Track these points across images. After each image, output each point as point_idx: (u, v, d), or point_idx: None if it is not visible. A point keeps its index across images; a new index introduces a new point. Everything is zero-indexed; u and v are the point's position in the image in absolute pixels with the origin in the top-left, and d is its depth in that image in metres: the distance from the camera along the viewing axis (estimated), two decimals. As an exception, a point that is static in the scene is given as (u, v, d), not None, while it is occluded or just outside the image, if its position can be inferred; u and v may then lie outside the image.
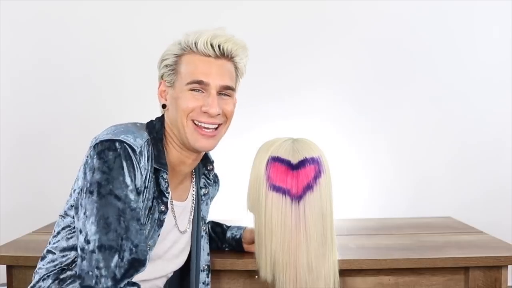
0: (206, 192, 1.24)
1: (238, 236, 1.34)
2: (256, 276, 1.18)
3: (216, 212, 1.79)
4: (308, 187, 1.11)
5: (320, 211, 1.12)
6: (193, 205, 1.21)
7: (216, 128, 1.11)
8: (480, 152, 1.98)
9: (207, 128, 1.09)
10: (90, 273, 0.94)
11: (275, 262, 1.12)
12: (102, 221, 0.95)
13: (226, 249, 1.35)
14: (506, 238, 1.47)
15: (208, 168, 1.24)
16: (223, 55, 1.10)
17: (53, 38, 1.99)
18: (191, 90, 1.07)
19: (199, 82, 1.07)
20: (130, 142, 0.99)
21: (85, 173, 0.99)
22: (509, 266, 1.29)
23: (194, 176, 1.23)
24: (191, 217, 1.20)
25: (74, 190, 1.03)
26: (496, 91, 1.97)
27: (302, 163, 1.12)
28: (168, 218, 1.11)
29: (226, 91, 1.12)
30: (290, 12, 1.99)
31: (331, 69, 1.99)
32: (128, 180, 0.97)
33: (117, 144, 0.98)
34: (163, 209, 1.08)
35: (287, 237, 1.10)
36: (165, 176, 1.07)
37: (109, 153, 0.97)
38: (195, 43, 1.08)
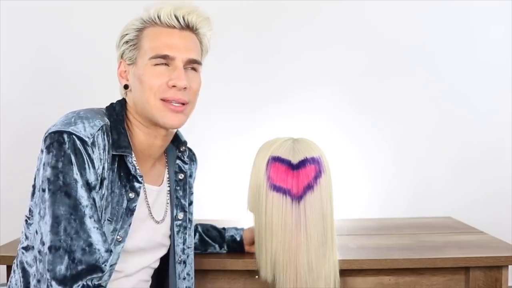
0: (183, 177, 1.16)
1: (238, 238, 1.33)
2: (257, 276, 1.18)
3: (217, 212, 1.80)
4: (309, 187, 1.11)
5: (320, 211, 1.12)
6: (169, 191, 1.15)
7: (183, 104, 1.03)
8: (480, 152, 1.98)
9: (176, 102, 1.02)
10: (44, 276, 0.89)
11: (275, 262, 1.12)
12: (52, 220, 0.89)
13: (225, 251, 1.34)
14: (506, 238, 1.47)
15: (181, 149, 1.16)
16: (188, 26, 1.05)
17: (53, 35, 1.99)
18: (155, 65, 1.01)
19: (164, 57, 1.01)
20: (80, 133, 0.93)
21: (38, 169, 0.94)
22: (509, 266, 1.29)
23: (166, 160, 1.16)
24: (168, 204, 1.14)
25: (33, 186, 0.97)
26: (496, 91, 1.97)
27: (303, 163, 1.12)
28: (141, 207, 1.06)
29: (192, 64, 1.05)
30: (289, 12, 1.99)
31: (331, 69, 1.99)
32: (78, 175, 0.91)
33: (65, 136, 0.92)
34: (132, 197, 1.01)
35: (287, 237, 1.10)
36: (130, 159, 1.01)
37: (57, 146, 0.91)
38: (158, 15, 1.02)
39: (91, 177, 0.93)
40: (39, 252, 0.91)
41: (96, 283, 0.92)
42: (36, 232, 0.93)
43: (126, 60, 1.05)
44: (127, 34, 1.05)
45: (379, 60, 1.99)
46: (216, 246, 1.33)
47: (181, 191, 1.16)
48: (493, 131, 1.98)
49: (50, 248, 0.89)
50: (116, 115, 1.04)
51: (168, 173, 1.15)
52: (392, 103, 2.00)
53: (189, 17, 1.04)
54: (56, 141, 0.91)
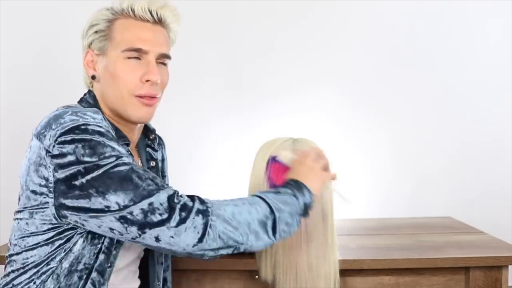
0: (154, 164, 1.17)
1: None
2: (257, 276, 1.18)
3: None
4: (309, 187, 1.11)
5: (320, 211, 1.12)
6: None
7: (154, 98, 1.05)
8: (480, 152, 1.98)
9: (150, 97, 1.03)
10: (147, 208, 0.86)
11: (275, 262, 1.13)
12: (123, 182, 0.86)
13: None
14: (506, 238, 1.47)
15: (151, 137, 1.18)
16: (160, 21, 1.05)
17: (54, 36, 1.99)
18: (128, 58, 1.01)
19: (138, 50, 1.02)
20: (92, 122, 0.91)
21: (60, 166, 0.88)
22: (509, 266, 1.29)
23: (137, 149, 1.16)
24: None
25: (46, 186, 0.90)
26: (496, 91, 1.97)
27: (303, 163, 1.12)
28: None
29: (163, 59, 1.06)
30: (287, 10, 1.99)
31: (331, 69, 1.99)
32: (115, 146, 0.90)
33: (82, 127, 0.89)
34: None
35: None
36: (127, 148, 1.01)
37: (81, 137, 0.88)
38: (131, 8, 1.02)
39: (123, 150, 0.93)
40: (124, 218, 0.87)
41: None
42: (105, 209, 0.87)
43: (95, 50, 1.04)
44: (97, 24, 1.04)
45: (378, 60, 2.00)
46: None
47: None
48: (493, 131, 1.98)
49: (141, 197, 0.86)
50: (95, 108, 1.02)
51: (141, 163, 1.16)
52: (391, 103, 2.00)
53: (161, 11, 1.05)
54: (79, 134, 0.88)
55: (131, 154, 1.02)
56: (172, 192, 0.89)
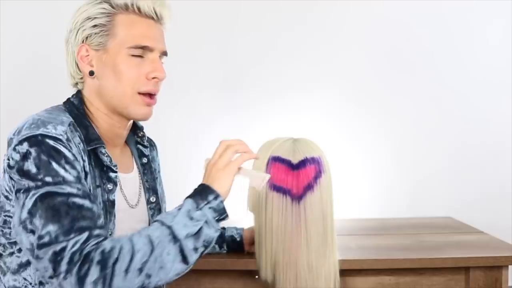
0: (146, 161, 1.17)
1: (238, 238, 1.33)
2: (257, 276, 1.17)
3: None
4: (309, 187, 1.11)
5: (320, 211, 1.12)
6: (140, 176, 1.15)
7: (154, 95, 1.05)
8: (480, 152, 1.98)
9: (152, 96, 1.03)
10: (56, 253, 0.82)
11: (275, 262, 1.12)
12: (49, 211, 0.84)
13: (225, 251, 1.34)
14: (506, 238, 1.47)
15: (140, 135, 1.17)
16: (160, 19, 1.05)
17: (53, 35, 1.99)
18: (132, 55, 1.00)
19: (144, 47, 1.01)
20: (52, 133, 0.89)
21: (10, 178, 0.90)
22: (509, 266, 1.29)
23: (129, 146, 1.16)
24: (141, 189, 1.14)
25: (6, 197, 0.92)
26: (497, 91, 1.97)
27: (303, 163, 1.12)
28: (118, 195, 1.04)
29: (163, 56, 1.07)
30: (288, 11, 1.99)
31: (331, 69, 1.99)
32: (61, 170, 0.87)
33: (39, 138, 0.88)
34: (110, 188, 1.00)
35: (287, 237, 1.10)
36: (103, 150, 1.00)
37: (32, 150, 0.87)
38: (137, 5, 1.01)
39: (74, 172, 0.90)
40: (41, 245, 0.84)
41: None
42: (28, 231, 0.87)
43: (92, 45, 1.01)
44: (95, 18, 1.01)
45: (378, 60, 2.00)
46: (216, 246, 1.33)
47: (149, 174, 1.17)
48: (493, 131, 1.98)
49: (56, 236, 0.83)
50: (77, 110, 1.02)
51: (134, 159, 1.16)
52: (392, 103, 2.00)
53: (161, 10, 1.05)
54: (31, 145, 0.88)
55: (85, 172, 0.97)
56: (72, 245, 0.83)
